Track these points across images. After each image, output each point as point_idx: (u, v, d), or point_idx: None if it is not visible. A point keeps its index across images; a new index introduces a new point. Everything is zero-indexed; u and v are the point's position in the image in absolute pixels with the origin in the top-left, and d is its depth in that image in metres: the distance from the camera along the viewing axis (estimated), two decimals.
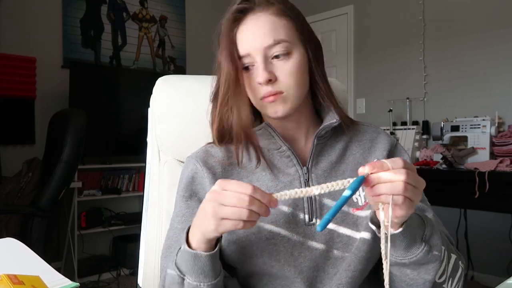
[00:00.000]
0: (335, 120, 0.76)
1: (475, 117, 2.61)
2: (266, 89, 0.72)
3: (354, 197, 0.75)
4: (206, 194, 0.74)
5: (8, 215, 2.31)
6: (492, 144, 2.40)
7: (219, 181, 0.59)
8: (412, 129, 2.90)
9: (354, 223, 0.74)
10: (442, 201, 2.32)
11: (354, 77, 3.62)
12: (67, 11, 3.30)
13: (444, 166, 2.37)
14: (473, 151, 2.40)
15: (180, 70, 3.96)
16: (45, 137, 2.59)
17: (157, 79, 0.98)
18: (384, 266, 0.57)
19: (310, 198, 0.75)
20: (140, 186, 3.44)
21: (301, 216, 0.74)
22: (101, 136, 3.19)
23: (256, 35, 0.72)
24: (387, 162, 0.55)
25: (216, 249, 0.63)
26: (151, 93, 0.97)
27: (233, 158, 0.78)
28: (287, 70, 0.72)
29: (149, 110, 0.99)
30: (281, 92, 0.72)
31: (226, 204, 0.56)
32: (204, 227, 0.60)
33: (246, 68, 0.74)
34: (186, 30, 4.00)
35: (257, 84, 0.72)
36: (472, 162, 2.33)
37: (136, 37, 3.70)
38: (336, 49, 3.65)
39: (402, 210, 0.56)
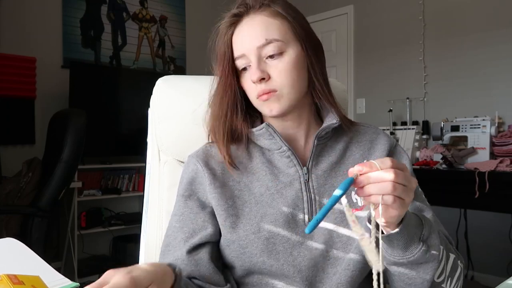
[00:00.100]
0: (335, 121, 0.76)
1: (475, 117, 2.61)
2: (260, 88, 0.73)
3: (353, 197, 0.75)
4: (206, 194, 0.75)
5: (8, 215, 2.31)
6: (492, 144, 2.40)
7: None
8: (412, 129, 2.90)
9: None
10: (442, 201, 2.32)
11: (354, 77, 3.62)
12: (67, 11, 3.30)
13: (444, 166, 2.37)
14: (473, 151, 2.40)
15: (180, 70, 3.97)
16: (45, 137, 2.59)
17: (157, 79, 0.98)
18: (373, 269, 0.57)
19: (310, 198, 0.75)
20: (140, 186, 3.44)
21: (301, 216, 0.74)
22: (101, 136, 3.19)
23: (249, 36, 0.74)
24: (376, 163, 0.55)
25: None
26: (151, 93, 0.97)
27: (231, 159, 0.78)
28: (280, 69, 0.73)
29: (149, 110, 0.99)
30: (274, 91, 0.73)
31: None
32: None
33: (244, 70, 0.76)
34: (186, 30, 4.00)
35: (252, 83, 0.74)
36: (472, 162, 2.33)
37: (136, 37, 3.70)
38: (336, 49, 3.65)
39: (394, 210, 0.56)
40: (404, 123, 3.12)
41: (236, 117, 0.77)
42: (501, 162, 2.19)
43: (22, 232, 2.25)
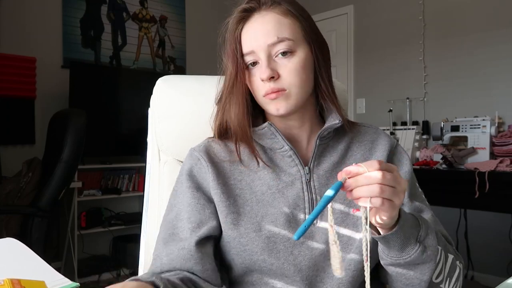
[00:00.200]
0: (337, 121, 0.76)
1: (475, 117, 2.61)
2: (269, 86, 0.72)
3: None
4: (209, 189, 0.75)
5: (8, 215, 2.31)
6: (492, 144, 2.40)
7: None
8: (412, 129, 2.90)
9: (354, 224, 0.74)
10: (442, 201, 2.32)
11: (354, 77, 3.62)
12: (67, 11, 3.30)
13: (444, 166, 2.37)
14: (473, 151, 2.40)
15: (180, 70, 3.97)
16: (45, 137, 2.59)
17: (157, 79, 0.98)
18: (365, 267, 0.58)
19: (311, 198, 0.75)
20: (140, 186, 3.44)
21: (301, 216, 0.74)
22: (101, 136, 3.19)
23: (260, 32, 0.73)
24: (363, 166, 0.56)
25: None
26: (151, 93, 0.97)
27: (233, 156, 0.78)
28: (290, 68, 0.72)
29: (149, 110, 0.99)
30: (283, 90, 0.73)
31: None
32: None
33: (252, 64, 0.75)
34: (186, 30, 4.00)
35: (260, 81, 0.73)
36: (472, 162, 2.33)
37: (136, 37, 3.70)
38: (336, 49, 3.65)
39: (384, 212, 0.57)
40: (404, 123, 3.12)
41: (236, 115, 0.76)
42: (501, 162, 2.19)
43: (22, 232, 2.25)
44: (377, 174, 0.54)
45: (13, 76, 2.91)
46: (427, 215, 0.76)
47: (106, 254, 3.32)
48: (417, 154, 2.72)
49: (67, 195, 2.64)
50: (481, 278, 2.79)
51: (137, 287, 0.55)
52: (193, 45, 4.01)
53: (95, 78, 3.24)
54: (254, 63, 0.74)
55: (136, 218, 3.20)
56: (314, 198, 0.75)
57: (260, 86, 0.74)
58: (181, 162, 0.94)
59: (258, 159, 0.77)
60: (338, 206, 0.75)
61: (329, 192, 0.55)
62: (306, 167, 0.77)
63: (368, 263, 0.58)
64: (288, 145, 0.76)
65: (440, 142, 2.66)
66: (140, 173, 3.45)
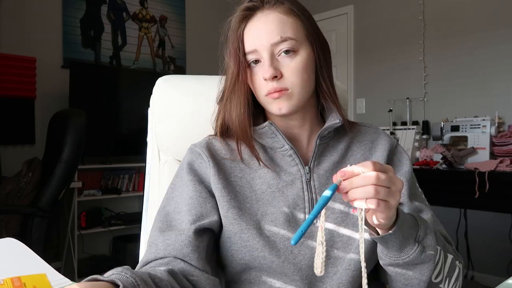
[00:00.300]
0: (338, 121, 0.76)
1: (475, 117, 2.61)
2: (272, 86, 0.72)
3: None
4: (210, 184, 0.75)
5: (8, 215, 2.31)
6: (492, 144, 2.40)
7: None
8: (412, 129, 2.90)
9: (354, 224, 0.74)
10: (442, 201, 2.32)
11: (354, 77, 3.62)
12: (67, 11, 3.30)
13: (444, 166, 2.37)
14: (473, 151, 2.40)
15: (180, 70, 3.96)
16: (45, 137, 2.59)
17: (157, 79, 0.98)
18: (362, 268, 0.58)
19: (311, 198, 0.75)
20: (140, 186, 3.44)
21: (301, 216, 0.74)
22: (101, 136, 3.19)
23: (263, 31, 0.73)
24: (358, 167, 0.56)
25: None
26: (151, 93, 0.97)
27: (234, 155, 0.78)
28: (293, 68, 0.72)
29: (149, 110, 0.99)
30: (286, 89, 0.73)
31: None
32: None
33: (254, 63, 0.75)
34: (186, 30, 4.00)
35: (263, 80, 0.73)
36: (472, 162, 2.33)
37: (136, 37, 3.70)
38: (336, 49, 3.65)
39: (381, 213, 0.57)
40: (404, 123, 3.12)
41: (237, 114, 0.76)
42: (501, 162, 2.19)
43: (22, 232, 2.25)
44: (372, 175, 0.54)
45: (13, 76, 2.91)
46: (427, 215, 0.76)
47: (106, 254, 3.32)
48: (417, 154, 2.72)
49: (67, 195, 2.64)
50: (481, 278, 2.79)
51: (91, 287, 0.52)
52: (193, 45, 4.01)
53: (95, 78, 3.24)
54: (256, 62, 0.74)
55: (136, 218, 3.20)
56: (314, 197, 0.75)
57: (263, 85, 0.74)
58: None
59: (258, 158, 0.77)
60: (338, 206, 0.75)
61: (327, 193, 0.55)
62: (306, 167, 0.77)
63: (364, 264, 0.57)
64: (288, 144, 0.76)
65: (440, 142, 2.66)
66: (140, 173, 3.45)
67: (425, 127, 3.04)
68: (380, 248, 0.66)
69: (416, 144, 2.85)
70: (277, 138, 0.76)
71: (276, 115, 0.77)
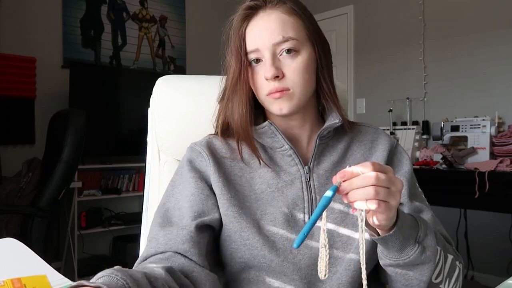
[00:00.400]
0: (337, 120, 0.76)
1: (475, 117, 2.61)
2: (273, 85, 0.72)
3: None
4: (211, 182, 0.74)
5: (8, 215, 2.31)
6: (492, 144, 2.40)
7: None
8: (412, 129, 2.90)
9: (353, 224, 0.74)
10: (442, 201, 2.32)
11: (354, 77, 3.62)
12: (67, 11, 3.30)
13: (444, 166, 2.37)
14: (473, 151, 2.40)
15: (180, 70, 3.96)
16: (45, 137, 2.59)
17: (157, 79, 0.98)
18: (362, 269, 0.58)
19: (311, 198, 0.75)
20: (140, 186, 3.44)
21: (300, 216, 0.74)
22: (101, 136, 3.19)
23: (266, 31, 0.73)
24: (357, 168, 0.55)
25: None
26: (151, 93, 0.97)
27: (234, 154, 0.78)
28: (294, 68, 0.72)
29: (149, 110, 0.99)
30: (287, 89, 0.72)
31: None
32: None
33: (256, 62, 0.74)
34: (186, 30, 4.00)
35: (264, 80, 0.73)
36: (472, 162, 2.33)
37: (136, 37, 3.70)
38: (336, 49, 3.65)
39: (381, 214, 0.56)
40: (404, 123, 3.12)
41: (238, 113, 0.76)
42: (501, 162, 2.19)
43: (22, 232, 2.25)
44: (371, 176, 0.54)
45: (13, 76, 2.91)
46: (427, 215, 0.76)
47: (106, 254, 3.32)
48: (417, 154, 2.72)
49: (67, 195, 2.64)
50: (481, 278, 2.79)
51: None
52: (193, 45, 4.01)
53: (95, 78, 3.24)
54: (258, 61, 0.74)
55: (136, 218, 3.20)
56: (313, 197, 0.75)
57: (264, 84, 0.73)
58: None
59: (259, 158, 0.77)
60: (338, 206, 0.75)
61: (328, 193, 0.55)
62: (306, 167, 0.77)
63: (365, 265, 0.57)
64: (288, 144, 0.76)
65: (440, 142, 2.66)
66: (140, 173, 3.45)
67: (425, 127, 3.04)
68: (380, 249, 0.66)
69: (416, 144, 2.85)
70: (277, 138, 0.76)
71: (276, 115, 0.76)
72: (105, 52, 3.51)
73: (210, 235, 0.73)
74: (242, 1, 0.77)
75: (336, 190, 0.55)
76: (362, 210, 0.56)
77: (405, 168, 0.80)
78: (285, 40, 0.72)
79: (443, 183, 2.33)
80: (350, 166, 0.57)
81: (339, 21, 3.68)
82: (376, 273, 0.77)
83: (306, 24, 0.75)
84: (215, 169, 0.75)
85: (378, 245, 0.65)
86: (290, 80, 0.72)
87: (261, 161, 0.77)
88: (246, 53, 0.74)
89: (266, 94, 0.73)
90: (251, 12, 0.75)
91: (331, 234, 0.73)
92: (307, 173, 0.76)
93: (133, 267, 0.66)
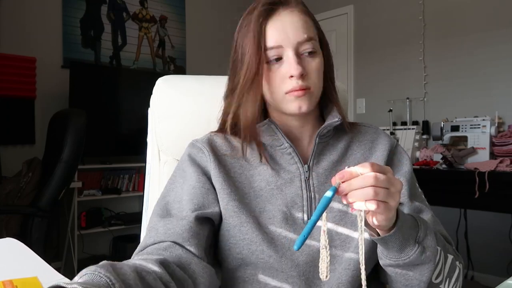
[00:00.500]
0: (337, 119, 0.76)
1: (475, 117, 2.61)
2: (297, 83, 0.71)
3: None
4: (211, 177, 0.74)
5: (8, 215, 2.31)
6: (492, 144, 2.40)
7: None
8: (412, 129, 2.90)
9: (352, 222, 0.74)
10: (442, 201, 2.32)
11: (354, 77, 3.62)
12: (67, 11, 3.30)
13: (444, 166, 2.37)
14: (473, 151, 2.40)
15: (180, 70, 3.96)
16: (45, 137, 2.59)
17: (157, 79, 0.98)
18: (361, 270, 0.57)
19: (310, 197, 0.75)
20: (140, 186, 3.44)
21: (299, 215, 0.74)
22: (101, 136, 3.19)
23: (290, 28, 0.72)
24: (356, 169, 0.55)
25: None
26: (151, 93, 0.97)
27: (235, 151, 0.78)
28: (314, 68, 0.73)
29: (149, 110, 0.99)
30: (308, 88, 0.73)
31: None
32: None
33: (276, 60, 0.73)
34: (186, 30, 4.00)
35: (284, 77, 0.72)
36: (472, 162, 2.33)
37: (136, 37, 3.70)
38: (336, 49, 3.65)
39: (380, 215, 0.56)
40: (404, 123, 3.12)
41: (250, 110, 0.75)
42: (501, 162, 2.19)
43: (22, 232, 2.25)
44: (370, 177, 0.54)
45: (13, 76, 2.91)
46: (427, 215, 0.76)
47: (106, 254, 3.32)
48: (417, 154, 2.72)
49: (67, 195, 2.64)
50: (481, 278, 2.79)
51: None
52: (193, 45, 4.01)
53: (95, 78, 3.24)
54: (278, 59, 0.73)
55: (136, 218, 3.20)
56: (312, 196, 0.75)
57: (285, 82, 0.72)
58: None
59: (262, 155, 0.77)
60: (336, 204, 0.75)
61: (328, 193, 0.55)
62: (306, 165, 0.77)
63: (364, 266, 0.57)
64: (287, 142, 0.76)
65: (440, 142, 2.66)
66: (140, 173, 3.45)
67: (425, 127, 3.04)
68: (380, 249, 0.66)
69: (416, 144, 2.85)
70: (277, 136, 0.76)
71: (289, 114, 0.76)
72: (105, 52, 3.51)
73: (210, 228, 0.73)
74: (246, 2, 0.77)
75: (336, 190, 0.55)
76: (361, 211, 0.56)
77: (405, 168, 0.80)
78: (308, 39, 0.72)
79: (443, 183, 2.33)
80: (349, 166, 0.57)
81: (339, 21, 3.68)
82: (376, 273, 0.77)
83: (316, 25, 0.77)
84: (215, 165, 0.75)
85: (378, 245, 0.65)
86: (311, 80, 0.73)
87: (264, 159, 0.77)
88: (265, 49, 0.73)
89: (286, 92, 0.73)
90: (271, 8, 0.74)
91: (330, 233, 0.74)
92: (306, 171, 0.76)
93: (131, 257, 0.66)
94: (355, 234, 0.73)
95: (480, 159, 2.34)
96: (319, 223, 0.66)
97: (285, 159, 0.77)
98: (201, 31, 3.99)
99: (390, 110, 3.05)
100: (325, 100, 0.80)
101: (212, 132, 0.83)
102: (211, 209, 0.72)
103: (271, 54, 0.72)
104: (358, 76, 3.60)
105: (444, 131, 2.62)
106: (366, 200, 0.54)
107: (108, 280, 0.50)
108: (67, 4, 3.29)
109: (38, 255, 0.79)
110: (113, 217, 3.28)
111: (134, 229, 3.19)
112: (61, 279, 0.69)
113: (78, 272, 0.51)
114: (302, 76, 0.71)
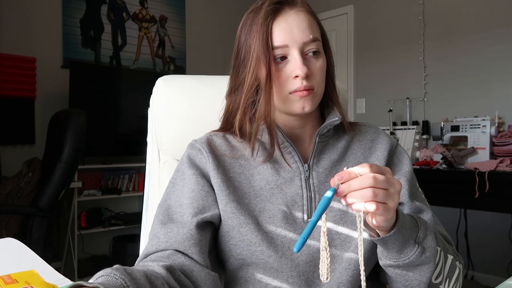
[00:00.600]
0: (337, 118, 0.77)
1: (475, 117, 2.61)
2: (301, 83, 0.72)
3: None
4: (210, 178, 0.74)
5: (8, 215, 2.31)
6: (492, 144, 2.40)
7: None
8: (412, 129, 2.90)
9: (352, 222, 0.74)
10: (442, 201, 2.32)
11: (354, 77, 3.62)
12: (67, 11, 3.30)
13: (444, 166, 2.37)
14: (473, 151, 2.40)
15: (180, 70, 3.96)
16: (45, 137, 2.59)
17: (157, 79, 0.98)
18: (361, 271, 0.57)
19: (309, 196, 0.75)
20: (140, 186, 3.44)
21: (299, 214, 0.74)
22: (101, 136, 3.19)
23: (297, 28, 0.72)
24: (355, 170, 0.55)
25: None
26: (151, 93, 0.97)
27: (234, 151, 0.78)
28: (318, 68, 0.73)
29: (149, 110, 0.99)
30: (312, 88, 0.73)
31: None
32: None
33: (281, 59, 0.73)
34: (186, 30, 4.00)
35: (289, 77, 0.72)
36: (472, 162, 2.33)
37: (136, 37, 3.70)
38: (336, 49, 3.65)
39: (380, 216, 0.56)
40: (404, 123, 3.12)
41: (271, 107, 0.74)
42: (501, 162, 2.19)
43: (22, 232, 2.24)
44: (369, 178, 0.54)
45: (13, 76, 2.91)
46: (427, 215, 0.76)
47: (106, 254, 3.32)
48: (417, 154, 2.72)
49: (67, 195, 2.64)
50: (481, 278, 2.79)
51: None
52: (193, 45, 4.01)
53: (95, 78, 3.24)
54: (283, 58, 0.73)
55: (136, 218, 3.20)
56: (312, 195, 0.75)
57: (290, 82, 0.72)
58: None
59: (258, 154, 0.77)
60: (336, 204, 0.75)
61: (328, 194, 0.55)
62: (306, 164, 0.77)
63: (363, 267, 0.57)
64: (288, 141, 0.76)
65: (440, 142, 2.66)
66: (140, 173, 3.45)
67: (425, 127, 3.04)
68: (380, 249, 0.66)
69: (416, 144, 2.85)
70: (277, 135, 0.76)
71: (292, 114, 0.76)
72: (105, 52, 3.51)
73: (211, 232, 0.73)
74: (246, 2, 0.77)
75: (334, 192, 0.55)
76: (360, 212, 0.56)
77: (405, 168, 0.80)
78: (313, 40, 0.73)
79: (443, 183, 2.33)
80: (347, 167, 0.57)
81: (339, 21, 3.68)
82: (377, 272, 0.77)
83: (320, 25, 0.77)
84: (214, 166, 0.75)
85: (378, 245, 0.65)
86: (315, 80, 0.73)
87: (261, 158, 0.77)
88: (273, 48, 0.72)
89: (290, 91, 0.73)
90: (277, 7, 0.74)
91: (329, 232, 0.73)
92: (306, 170, 0.76)
93: (134, 265, 0.66)
94: (355, 234, 0.73)
95: (480, 159, 2.34)
96: (319, 223, 0.66)
97: (285, 158, 0.77)
98: (201, 31, 3.99)
99: (390, 110, 3.05)
100: (325, 100, 0.80)
101: (211, 131, 0.83)
102: (211, 211, 0.72)
103: (277, 53, 0.72)
104: (358, 76, 3.60)
105: (444, 131, 2.62)
106: (365, 201, 0.54)
107: (123, 282, 0.52)
108: (67, 4, 3.29)
109: (38, 255, 0.79)
110: (113, 217, 3.28)
111: (134, 229, 3.19)
112: (61, 279, 0.69)
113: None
114: (307, 76, 0.71)
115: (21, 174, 2.47)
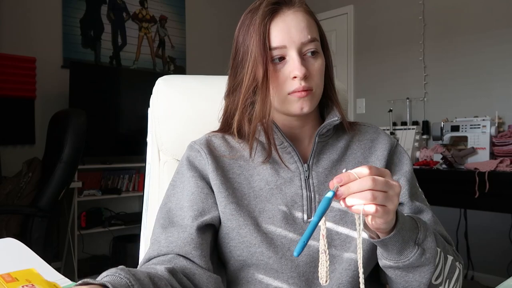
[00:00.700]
0: (336, 118, 0.76)
1: (475, 117, 2.61)
2: (300, 84, 0.71)
3: None
4: (209, 180, 0.74)
5: (8, 215, 2.31)
6: (492, 144, 2.40)
7: None
8: (412, 129, 2.90)
9: (352, 222, 0.74)
10: (442, 201, 2.32)
11: (354, 77, 3.62)
12: (67, 11, 3.30)
13: (444, 166, 2.37)
14: (473, 151, 2.40)
15: (180, 70, 3.96)
16: (45, 137, 2.59)
17: (157, 79, 0.98)
18: (359, 273, 0.57)
19: (309, 196, 0.75)
20: (140, 186, 3.44)
21: (299, 214, 0.74)
22: (101, 136, 3.19)
23: (295, 28, 0.72)
24: (354, 172, 0.55)
25: None
26: (151, 93, 0.97)
27: (233, 152, 0.78)
28: (317, 69, 0.73)
29: (149, 110, 0.99)
30: (311, 89, 0.73)
31: None
32: None
33: (279, 60, 0.73)
34: (186, 30, 4.00)
35: (287, 78, 0.72)
36: (472, 162, 2.33)
37: (136, 37, 3.70)
38: (336, 49, 3.65)
39: (379, 218, 0.56)
40: (404, 123, 3.12)
41: (267, 109, 0.74)
42: (501, 162, 2.19)
43: (22, 232, 2.24)
44: (368, 180, 0.54)
45: (13, 76, 2.91)
46: (427, 215, 0.76)
47: (106, 254, 3.32)
48: (417, 154, 2.72)
49: (67, 195, 2.64)
50: (481, 278, 2.79)
51: None
52: (193, 45, 4.01)
53: (95, 78, 3.24)
54: (281, 59, 0.73)
55: (136, 218, 3.20)
56: (312, 196, 0.75)
57: (288, 82, 0.72)
58: None
59: (257, 154, 0.77)
60: (336, 204, 0.75)
61: (329, 194, 0.55)
62: (305, 164, 0.76)
63: (362, 269, 0.57)
64: (287, 141, 0.76)
65: (440, 142, 2.66)
66: (140, 173, 3.45)
67: (425, 127, 3.04)
68: (379, 251, 0.66)
69: (416, 144, 2.85)
70: (276, 135, 0.76)
71: (291, 115, 0.75)
72: (105, 52, 3.51)
73: (212, 234, 0.73)
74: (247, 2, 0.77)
75: (334, 195, 0.55)
76: (360, 214, 0.56)
77: (405, 168, 0.80)
78: (311, 40, 0.72)
79: (443, 183, 2.33)
80: (346, 169, 0.56)
81: (339, 21, 3.68)
82: (377, 273, 0.77)
83: (319, 25, 0.77)
84: (213, 167, 0.75)
85: (378, 247, 0.65)
86: (313, 81, 0.73)
87: (260, 158, 0.77)
88: (270, 48, 0.72)
89: (289, 92, 0.73)
90: (275, 7, 0.73)
91: (329, 232, 0.73)
92: (306, 170, 0.76)
93: (137, 268, 0.66)
94: (355, 234, 0.73)
95: (480, 159, 2.34)
96: (318, 224, 0.66)
97: (284, 158, 0.77)
98: (201, 31, 3.99)
99: (390, 110, 3.05)
100: (325, 100, 0.80)
101: (211, 132, 0.83)
102: (212, 213, 0.72)
103: (275, 54, 0.72)
104: (358, 76, 3.60)
105: (444, 131, 2.62)
106: (364, 204, 0.54)
107: (128, 282, 0.53)
108: (67, 4, 3.29)
109: (38, 255, 0.79)
110: (113, 217, 3.28)
111: (134, 229, 3.19)
112: (61, 279, 0.69)
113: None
114: (305, 77, 0.71)
115: (21, 174, 2.47)
